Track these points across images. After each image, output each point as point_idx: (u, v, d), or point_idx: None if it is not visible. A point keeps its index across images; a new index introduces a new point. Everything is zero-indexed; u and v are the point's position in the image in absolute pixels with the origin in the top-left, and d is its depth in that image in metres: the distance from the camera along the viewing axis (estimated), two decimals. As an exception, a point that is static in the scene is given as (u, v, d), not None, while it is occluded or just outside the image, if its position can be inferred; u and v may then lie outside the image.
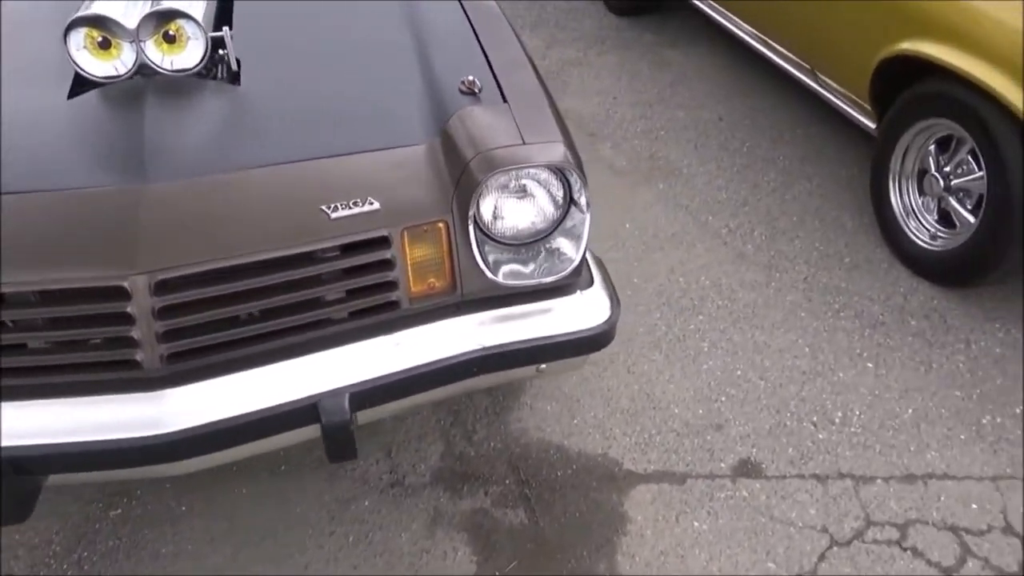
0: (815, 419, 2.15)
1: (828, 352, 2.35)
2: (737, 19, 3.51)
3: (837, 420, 2.14)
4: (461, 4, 1.97)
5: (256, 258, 1.40)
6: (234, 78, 1.69)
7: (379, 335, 1.50)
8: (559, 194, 1.58)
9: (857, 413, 2.16)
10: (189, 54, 1.63)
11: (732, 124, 3.50)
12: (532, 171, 1.53)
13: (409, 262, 1.51)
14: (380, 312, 1.50)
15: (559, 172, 1.54)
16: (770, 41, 3.29)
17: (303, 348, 1.46)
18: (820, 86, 3.05)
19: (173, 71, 1.63)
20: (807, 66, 3.07)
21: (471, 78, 1.64)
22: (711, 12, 3.73)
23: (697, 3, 3.83)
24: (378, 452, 2.04)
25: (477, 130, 1.55)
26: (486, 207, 1.54)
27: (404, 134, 1.58)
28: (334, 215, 1.45)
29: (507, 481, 1.98)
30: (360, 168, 1.53)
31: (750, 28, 3.42)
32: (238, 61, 1.71)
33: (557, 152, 1.53)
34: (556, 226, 1.60)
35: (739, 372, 2.29)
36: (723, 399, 2.21)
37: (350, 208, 1.46)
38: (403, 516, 1.91)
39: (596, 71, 4.04)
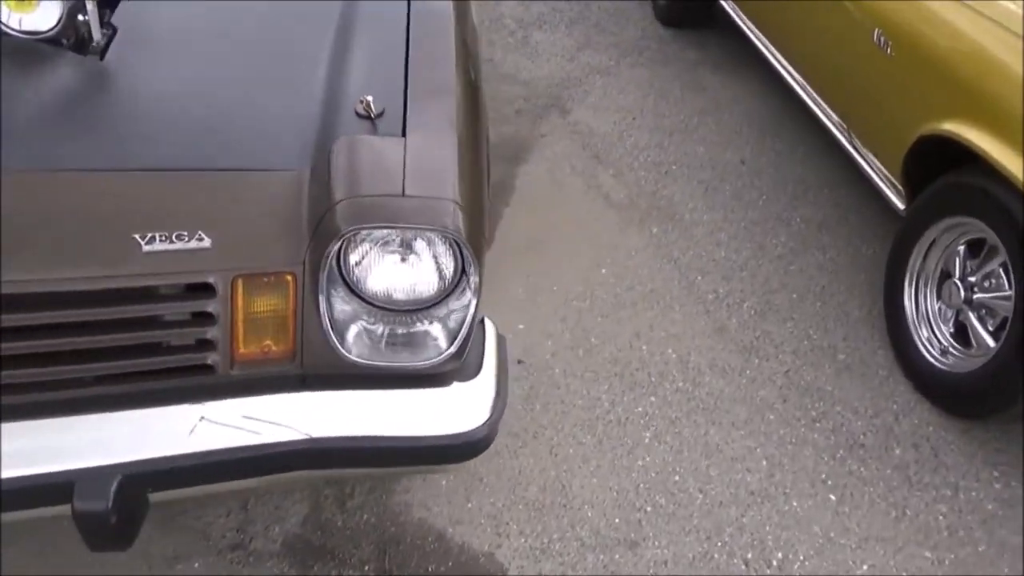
0: (749, 556, 1.81)
1: (787, 471, 1.99)
2: (780, 55, 3.11)
3: (775, 564, 1.79)
4: (408, 8, 1.65)
5: (32, 289, 1.12)
6: (99, 53, 1.40)
7: (183, 402, 1.21)
8: (448, 265, 1.26)
9: (801, 558, 1.81)
10: (42, 15, 1.35)
11: (754, 170, 3.12)
12: (409, 232, 1.22)
13: (241, 317, 1.21)
14: (188, 375, 1.21)
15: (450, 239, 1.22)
16: (809, 88, 2.89)
17: (80, 405, 1.18)
18: (854, 148, 2.65)
19: (21, 32, 1.35)
20: (843, 124, 2.67)
21: (369, 98, 1.32)
22: (755, 39, 3.33)
23: (742, 25, 3.43)
24: (233, 502, 1.77)
25: (354, 167, 1.24)
26: (355, 261, 1.23)
27: (272, 156, 1.28)
28: (147, 247, 1.16)
29: (367, 568, 1.69)
30: (201, 190, 1.23)
31: (791, 68, 3.02)
32: (109, 34, 1.42)
33: (440, 213, 1.21)
34: (443, 298, 1.29)
35: (677, 478, 1.96)
36: (648, 509, 1.88)
37: (171, 241, 1.17)
38: (232, 589, 1.63)
39: (623, 84, 3.67)
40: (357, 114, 1.31)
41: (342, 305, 1.24)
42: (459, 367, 1.31)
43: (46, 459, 1.13)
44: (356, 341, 1.25)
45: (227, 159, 1.25)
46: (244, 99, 1.38)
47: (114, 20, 1.45)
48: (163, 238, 1.16)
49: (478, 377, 1.35)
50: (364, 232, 1.20)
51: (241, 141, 1.30)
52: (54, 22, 1.35)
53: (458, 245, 1.21)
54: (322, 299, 1.20)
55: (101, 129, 1.28)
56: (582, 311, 2.43)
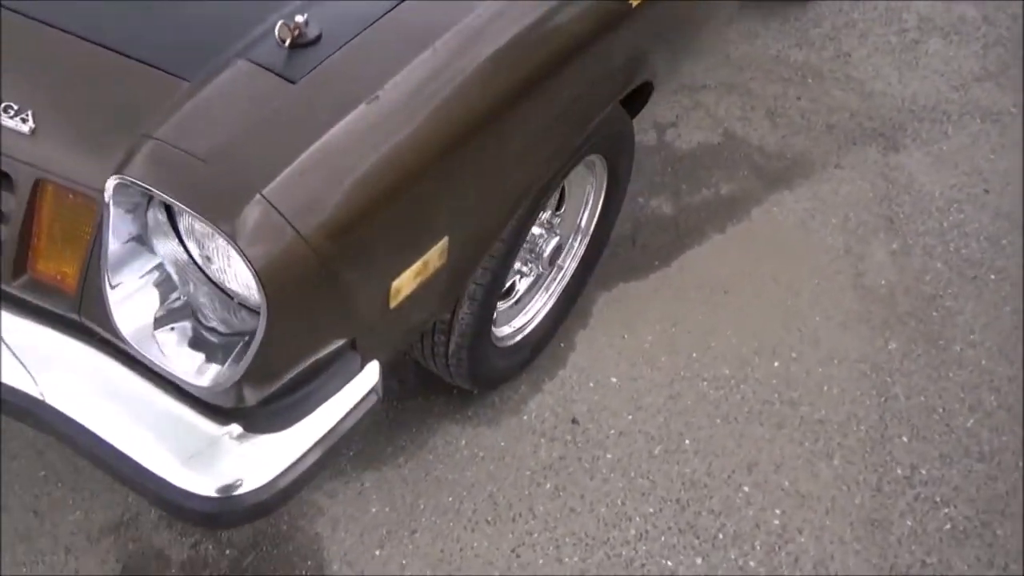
0: None
1: None
2: None
3: None
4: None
5: None
6: None
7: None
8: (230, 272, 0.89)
9: None
10: None
11: None
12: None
13: (42, 229, 0.98)
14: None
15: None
16: None
17: None
18: None
19: None
20: None
21: (302, 19, 0.94)
22: None
23: None
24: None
25: (201, 101, 0.89)
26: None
27: (176, 58, 0.97)
28: None
29: None
30: (75, 64, 0.98)
31: None
32: None
33: (230, 204, 0.82)
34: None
35: None
36: None
37: (6, 113, 0.96)
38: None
39: (1006, 142, 2.65)
40: (279, 39, 0.94)
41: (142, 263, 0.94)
42: (241, 407, 0.95)
43: None
44: (134, 313, 0.94)
45: (129, 45, 0.98)
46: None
47: None
48: (7, 109, 0.96)
49: (281, 433, 0.97)
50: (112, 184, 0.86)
51: (164, 33, 1.02)
52: None
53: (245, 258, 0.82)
54: (108, 238, 0.90)
55: None
56: (702, 400, 1.80)
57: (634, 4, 1.28)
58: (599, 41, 1.21)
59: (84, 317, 0.98)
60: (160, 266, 0.93)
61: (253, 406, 0.95)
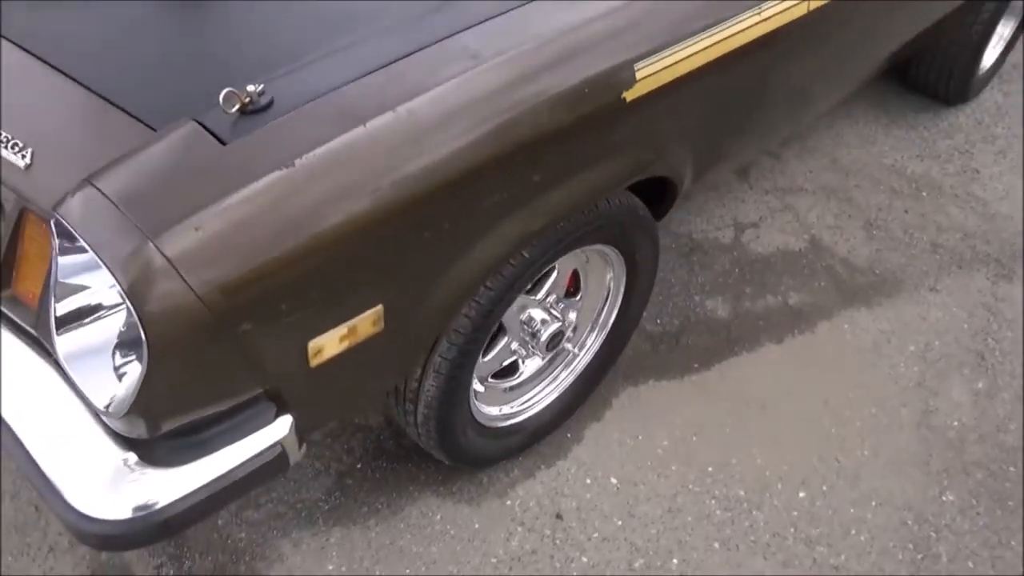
0: None
1: None
2: None
3: None
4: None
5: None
6: None
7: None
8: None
9: None
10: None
11: None
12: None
13: (21, 253, 1.11)
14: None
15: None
16: None
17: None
18: None
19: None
20: None
21: (255, 88, 1.01)
22: None
23: None
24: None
25: (143, 156, 0.97)
26: None
27: (154, 109, 1.08)
28: None
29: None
30: (70, 99, 1.11)
31: None
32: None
33: (121, 242, 0.88)
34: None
35: None
36: None
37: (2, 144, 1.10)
38: None
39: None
40: (224, 105, 1.00)
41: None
42: (148, 442, 1.00)
43: None
44: (72, 334, 1.02)
45: (124, 95, 1.11)
46: (224, 52, 1.20)
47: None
48: (3, 140, 1.10)
49: (172, 468, 1.01)
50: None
51: (153, 86, 1.14)
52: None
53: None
54: (55, 266, 1.00)
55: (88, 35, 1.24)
56: (705, 519, 1.66)
57: (628, 99, 1.27)
58: (576, 133, 1.21)
59: (39, 332, 1.09)
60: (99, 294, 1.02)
61: (150, 439, 1.01)
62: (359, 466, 1.68)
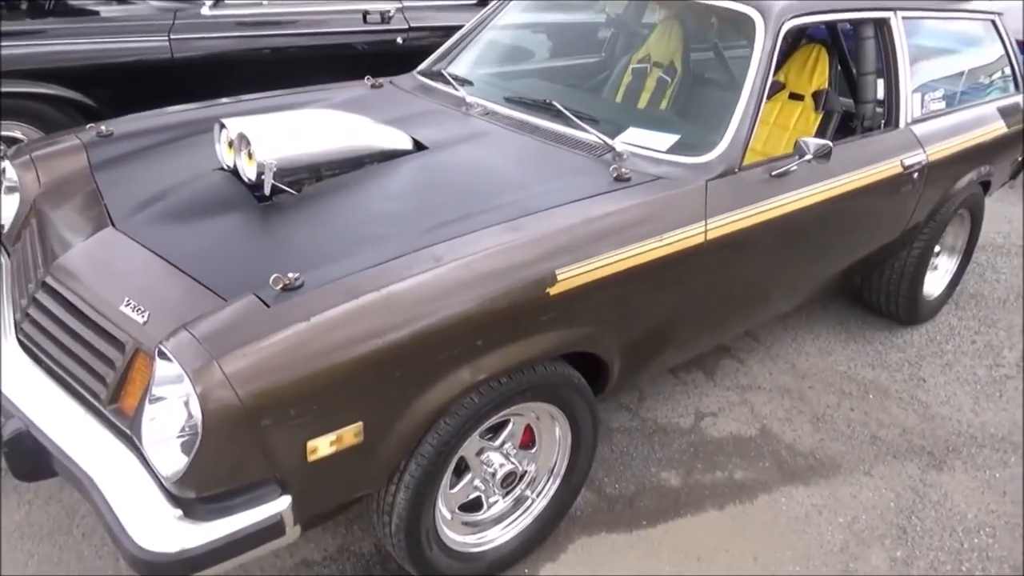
0: None
1: None
2: None
3: None
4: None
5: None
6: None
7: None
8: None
9: None
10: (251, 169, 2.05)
11: None
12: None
13: (129, 377, 1.66)
14: (86, 392, 1.70)
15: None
16: None
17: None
18: None
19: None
20: None
21: (294, 275, 1.60)
22: None
23: None
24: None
25: (219, 314, 1.53)
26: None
27: (231, 286, 1.67)
28: (122, 307, 1.70)
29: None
30: (176, 285, 1.71)
31: None
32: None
33: (198, 368, 1.42)
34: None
35: None
36: None
37: (128, 305, 1.69)
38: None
39: None
40: (273, 285, 1.59)
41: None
42: (190, 501, 1.47)
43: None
44: (154, 429, 1.53)
45: (205, 274, 1.71)
46: (296, 245, 1.82)
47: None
48: (128, 303, 1.70)
49: (203, 524, 1.47)
50: None
51: (226, 263, 1.74)
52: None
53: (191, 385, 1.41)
54: (154, 376, 1.53)
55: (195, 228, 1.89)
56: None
57: (552, 294, 1.81)
58: (512, 312, 1.74)
59: (132, 431, 1.61)
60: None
61: (192, 501, 1.48)
62: (350, 583, 2.06)
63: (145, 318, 1.66)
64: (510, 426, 2.02)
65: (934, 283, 3.58)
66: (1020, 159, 3.80)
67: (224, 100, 2.72)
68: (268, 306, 1.54)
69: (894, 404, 2.98)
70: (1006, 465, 2.68)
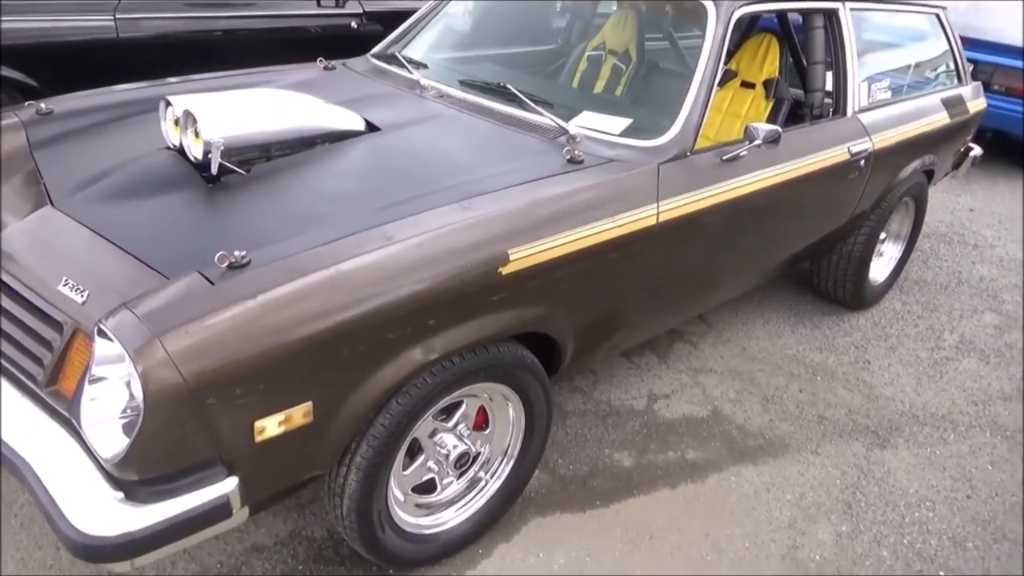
0: None
1: None
2: None
3: None
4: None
5: None
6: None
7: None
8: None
9: None
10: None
11: None
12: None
13: (71, 356, 1.62)
14: (21, 373, 1.65)
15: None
16: None
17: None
18: None
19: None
20: None
21: (240, 254, 1.57)
22: None
23: None
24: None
25: (163, 292, 1.50)
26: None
27: (170, 263, 1.64)
28: (61, 287, 1.65)
29: None
30: (113, 261, 1.66)
31: None
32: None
33: (138, 345, 1.38)
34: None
35: None
36: None
37: (67, 285, 1.64)
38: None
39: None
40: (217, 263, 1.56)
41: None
42: (132, 483, 1.44)
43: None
44: (93, 409, 1.49)
45: (148, 253, 1.67)
46: (236, 220, 1.79)
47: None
48: (67, 283, 1.65)
49: (146, 506, 1.44)
50: None
51: (170, 243, 1.70)
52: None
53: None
54: (93, 355, 1.49)
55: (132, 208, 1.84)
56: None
57: (504, 273, 1.81)
58: (464, 293, 1.73)
59: (70, 413, 1.56)
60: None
61: (134, 483, 1.44)
62: (300, 567, 2.03)
63: (84, 298, 1.62)
64: (463, 407, 2.01)
65: (880, 269, 3.67)
66: (962, 150, 3.92)
67: (172, 79, 2.66)
68: (212, 284, 1.51)
69: (840, 386, 3.05)
70: (945, 443, 2.77)
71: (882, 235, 3.52)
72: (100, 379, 1.48)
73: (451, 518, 2.09)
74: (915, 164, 3.36)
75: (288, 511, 2.19)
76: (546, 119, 2.32)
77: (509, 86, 2.44)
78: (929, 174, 3.61)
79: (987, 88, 4.63)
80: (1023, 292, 4.00)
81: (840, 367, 3.17)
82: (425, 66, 2.78)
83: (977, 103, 3.84)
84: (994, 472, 2.63)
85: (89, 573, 1.93)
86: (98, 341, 1.46)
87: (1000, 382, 3.17)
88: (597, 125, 2.33)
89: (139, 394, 1.39)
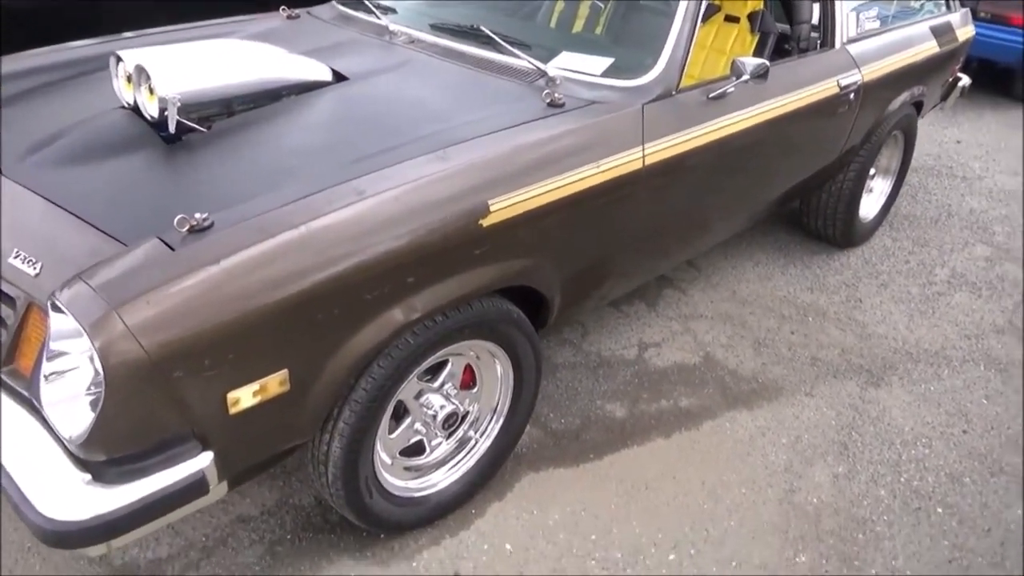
0: None
1: None
2: None
3: None
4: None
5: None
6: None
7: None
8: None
9: None
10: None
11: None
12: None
13: (27, 333, 1.52)
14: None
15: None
16: None
17: None
18: None
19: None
20: None
21: (201, 216, 1.47)
22: None
23: None
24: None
25: (118, 260, 1.40)
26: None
27: (128, 228, 1.53)
28: (10, 258, 1.54)
29: None
30: (68, 230, 1.56)
31: None
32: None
33: (94, 316, 1.29)
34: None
35: None
36: None
37: (18, 257, 1.54)
38: None
39: (1011, 394, 2.65)
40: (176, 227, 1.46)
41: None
42: (99, 464, 1.36)
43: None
44: (54, 389, 1.41)
45: (104, 219, 1.56)
46: (188, 181, 1.69)
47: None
48: (21, 256, 1.54)
49: (117, 487, 1.36)
50: None
51: (128, 208, 1.60)
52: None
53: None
54: (49, 331, 1.40)
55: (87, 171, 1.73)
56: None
57: (484, 225, 1.72)
58: (444, 247, 1.64)
59: (29, 393, 1.48)
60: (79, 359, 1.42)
61: (101, 464, 1.37)
62: (289, 536, 1.98)
63: (37, 270, 1.52)
64: (449, 366, 1.94)
65: (869, 205, 3.60)
66: (951, 80, 3.82)
67: (127, 34, 2.51)
68: (173, 250, 1.41)
69: (832, 325, 3.01)
70: (940, 378, 2.74)
71: (872, 170, 3.44)
72: (58, 355, 1.39)
73: (441, 479, 2.03)
74: (904, 96, 3.27)
75: (274, 480, 2.13)
76: (523, 61, 2.20)
77: (483, 28, 2.31)
78: (918, 106, 3.51)
79: (974, 15, 4.51)
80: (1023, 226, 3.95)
81: (831, 307, 3.12)
82: (394, 11, 2.63)
83: (966, 31, 3.73)
84: (989, 406, 2.61)
85: (90, 573, 1.87)
86: (53, 315, 1.36)
87: (992, 315, 3.13)
88: (577, 66, 2.21)
89: (100, 370, 1.31)
